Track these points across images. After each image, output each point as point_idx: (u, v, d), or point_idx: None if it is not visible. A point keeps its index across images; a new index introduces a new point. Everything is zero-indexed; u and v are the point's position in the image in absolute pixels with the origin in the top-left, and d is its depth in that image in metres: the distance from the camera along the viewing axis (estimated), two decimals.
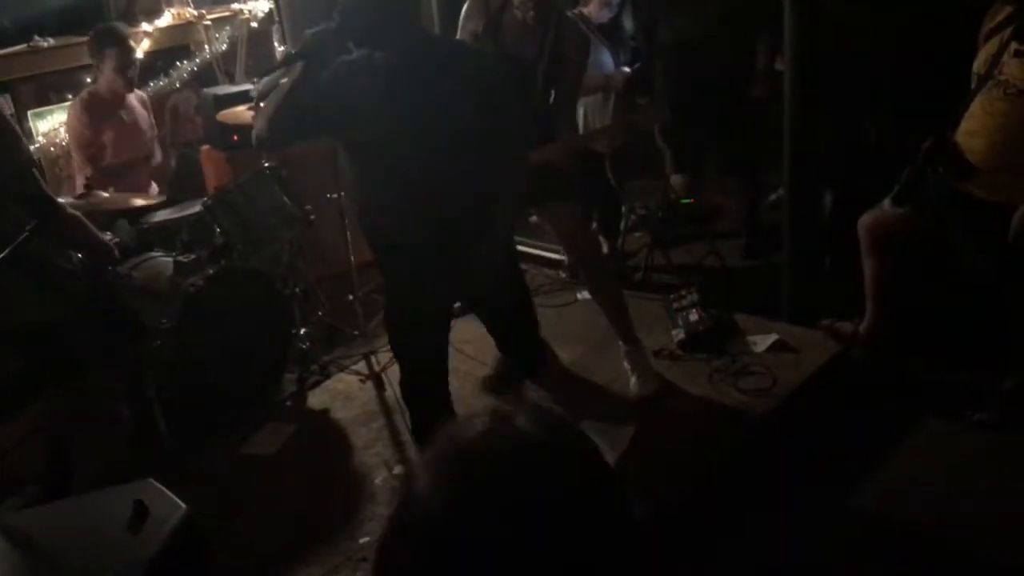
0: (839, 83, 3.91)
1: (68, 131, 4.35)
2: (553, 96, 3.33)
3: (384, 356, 3.99)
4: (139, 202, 3.81)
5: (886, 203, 3.38)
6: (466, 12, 3.37)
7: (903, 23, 3.82)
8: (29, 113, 4.58)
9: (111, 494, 2.36)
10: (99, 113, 4.22)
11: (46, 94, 4.70)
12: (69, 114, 4.31)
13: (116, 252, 3.20)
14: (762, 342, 3.75)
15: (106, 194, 3.70)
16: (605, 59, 4.52)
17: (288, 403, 3.80)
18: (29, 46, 4.62)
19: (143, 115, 4.45)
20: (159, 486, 2.31)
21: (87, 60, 4.42)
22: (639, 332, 3.59)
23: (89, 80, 4.46)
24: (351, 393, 3.79)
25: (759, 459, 3.21)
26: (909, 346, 3.63)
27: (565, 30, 3.32)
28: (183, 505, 2.22)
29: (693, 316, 3.83)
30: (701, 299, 3.88)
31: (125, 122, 4.31)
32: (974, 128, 3.16)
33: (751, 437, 3.30)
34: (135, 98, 4.42)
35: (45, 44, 4.65)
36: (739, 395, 3.45)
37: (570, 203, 3.41)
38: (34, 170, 2.90)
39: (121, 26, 4.38)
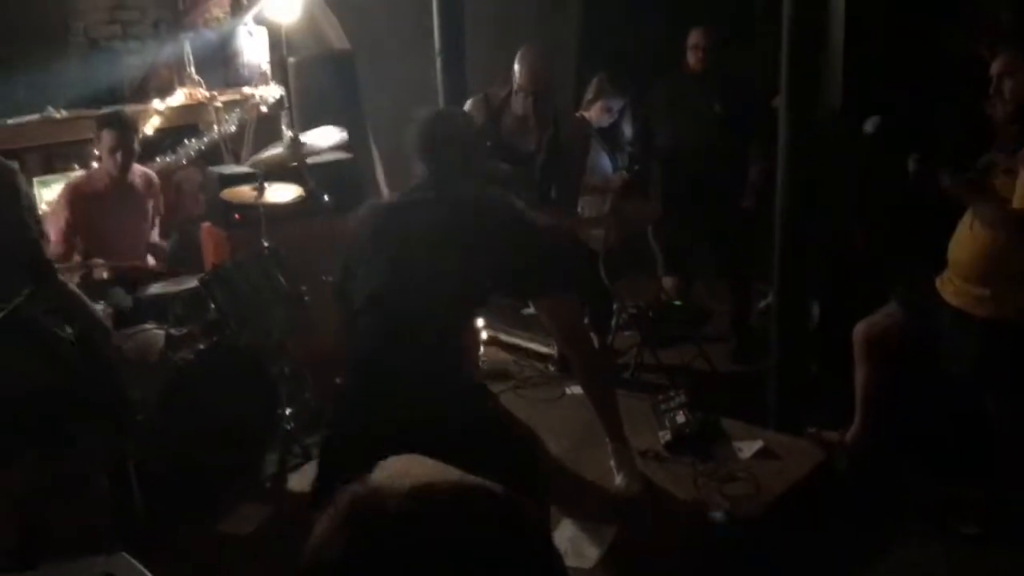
0: (830, 194, 4.01)
1: (50, 216, 4.34)
2: (555, 190, 3.39)
3: None
4: (137, 266, 3.81)
5: (891, 307, 3.46)
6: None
7: (895, 140, 3.95)
8: (35, 180, 4.63)
9: (82, 565, 2.32)
10: (89, 203, 4.26)
11: (52, 163, 4.78)
12: (56, 199, 4.34)
13: (112, 336, 3.19)
14: (748, 448, 3.74)
15: (101, 261, 3.73)
16: (603, 162, 4.65)
17: (267, 484, 3.74)
18: (42, 116, 4.72)
19: (142, 201, 4.47)
20: (131, 560, 2.27)
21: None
22: (626, 430, 3.58)
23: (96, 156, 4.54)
24: None
25: (742, 565, 3.18)
26: (896, 455, 3.63)
27: (564, 125, 3.44)
28: None
29: (680, 418, 3.82)
30: (689, 401, 3.89)
31: (117, 212, 4.33)
32: (961, 240, 3.25)
33: (734, 543, 3.27)
34: (140, 180, 4.47)
35: (57, 115, 4.75)
36: (723, 500, 3.43)
37: (570, 295, 3.44)
38: (37, 237, 2.93)
39: (125, 113, 4.44)
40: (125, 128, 4.28)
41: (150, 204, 4.51)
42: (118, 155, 4.24)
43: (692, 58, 4.64)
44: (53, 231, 4.27)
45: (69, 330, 2.93)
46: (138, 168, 4.48)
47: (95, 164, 4.54)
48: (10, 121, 4.58)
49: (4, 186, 2.69)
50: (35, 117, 4.70)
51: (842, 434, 3.70)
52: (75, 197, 4.28)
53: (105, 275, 4.03)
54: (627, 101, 4.76)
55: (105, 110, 4.48)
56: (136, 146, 4.38)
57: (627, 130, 4.86)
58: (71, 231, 4.25)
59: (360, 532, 0.89)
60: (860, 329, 3.56)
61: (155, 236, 4.56)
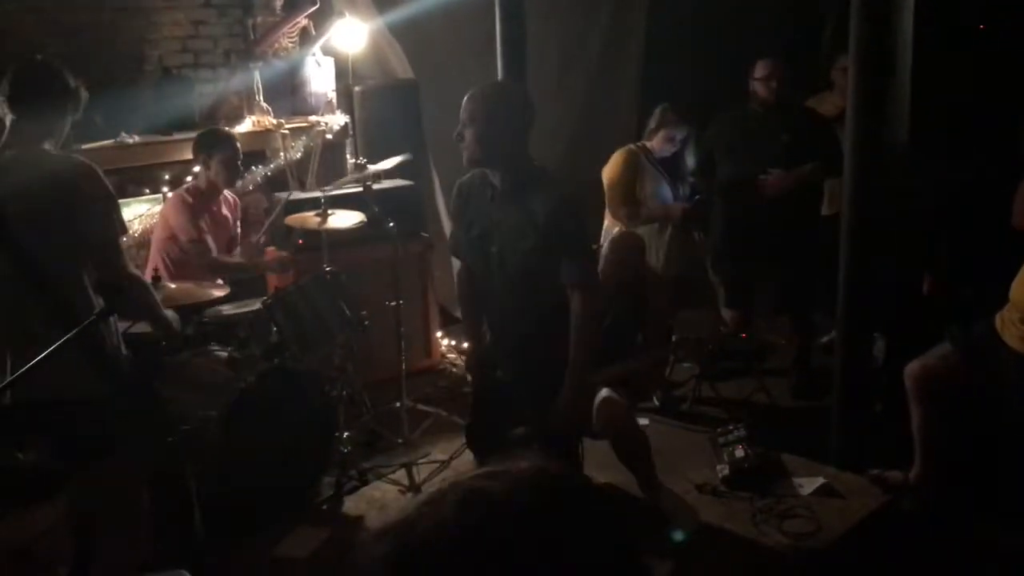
0: (895, 231, 3.94)
1: (166, 223, 4.39)
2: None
3: (425, 468, 3.98)
4: (204, 295, 3.89)
5: (945, 347, 3.36)
6: None
7: (962, 177, 3.87)
8: None
9: None
10: (199, 207, 4.36)
11: (125, 187, 4.90)
12: (169, 208, 4.40)
13: (178, 328, 3.25)
14: (808, 485, 3.66)
15: (172, 285, 3.81)
16: (665, 192, 4.62)
17: (324, 507, 3.77)
18: (116, 141, 4.86)
19: (231, 212, 4.61)
20: None
21: (168, 158, 4.63)
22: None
23: (189, 178, 4.64)
24: (387, 503, 3.76)
25: None
26: (962, 500, 3.52)
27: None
28: None
29: (739, 452, 3.76)
30: (748, 436, 3.83)
31: (218, 216, 4.47)
32: None
33: None
34: (226, 197, 4.58)
35: (131, 140, 4.88)
36: (782, 538, 3.36)
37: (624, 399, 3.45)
38: (119, 238, 3.00)
39: (225, 128, 4.61)
40: (234, 140, 4.45)
41: (232, 222, 4.61)
42: (237, 165, 4.39)
43: (764, 89, 4.55)
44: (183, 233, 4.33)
45: (120, 339, 2.99)
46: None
47: (189, 179, 4.64)
48: (85, 146, 4.72)
49: (89, 185, 2.79)
50: (109, 142, 4.84)
51: (907, 475, 3.60)
52: (193, 203, 4.33)
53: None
54: (690, 131, 4.73)
55: (202, 130, 4.61)
56: None
57: (690, 161, 4.83)
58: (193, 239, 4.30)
59: (476, 515, 0.90)
60: (912, 370, 3.46)
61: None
